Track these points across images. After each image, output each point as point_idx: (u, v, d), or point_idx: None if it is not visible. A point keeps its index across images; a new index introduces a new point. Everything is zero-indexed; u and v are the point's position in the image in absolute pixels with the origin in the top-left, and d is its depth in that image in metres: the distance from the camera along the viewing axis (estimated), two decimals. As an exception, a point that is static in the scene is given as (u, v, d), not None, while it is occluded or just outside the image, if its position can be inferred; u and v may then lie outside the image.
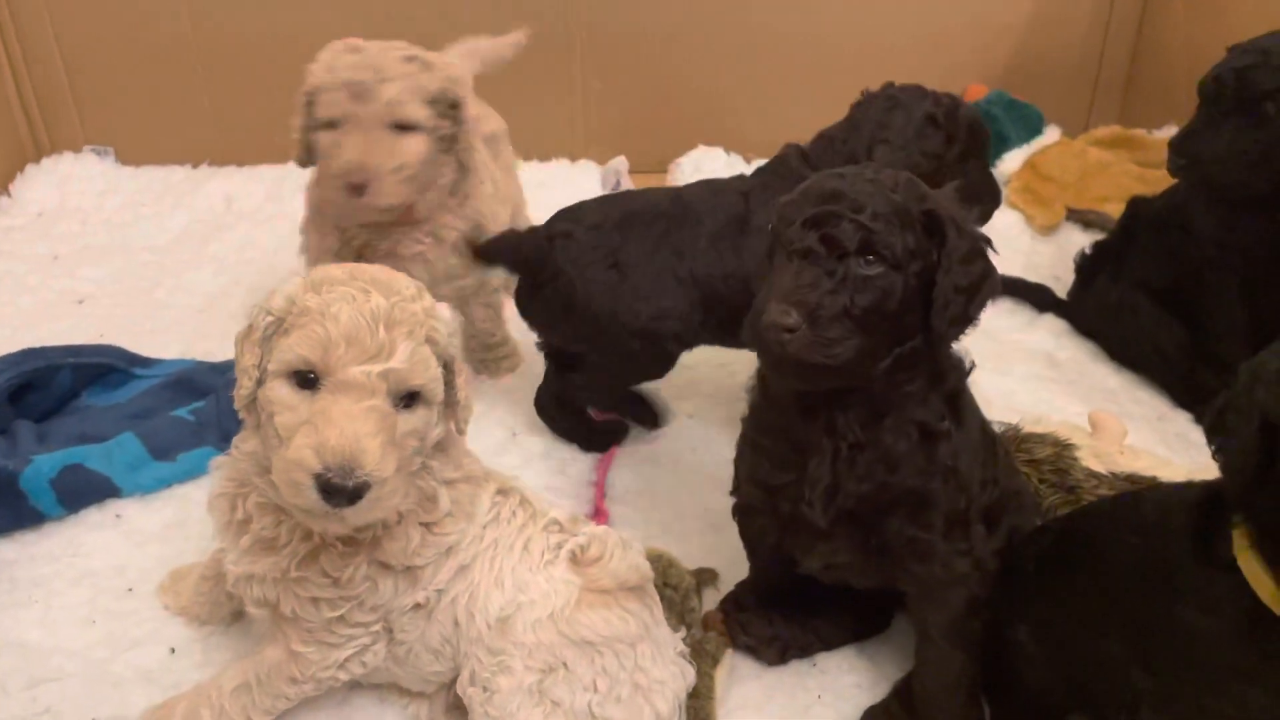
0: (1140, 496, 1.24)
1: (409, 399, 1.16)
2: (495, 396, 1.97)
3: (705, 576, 1.53)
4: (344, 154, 1.65)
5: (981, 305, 1.22)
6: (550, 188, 2.75)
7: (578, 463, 1.82)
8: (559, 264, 1.69)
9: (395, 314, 1.14)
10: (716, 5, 2.76)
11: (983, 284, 1.21)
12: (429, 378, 1.17)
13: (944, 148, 1.76)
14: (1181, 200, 1.94)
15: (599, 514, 1.71)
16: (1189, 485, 1.17)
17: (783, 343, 1.14)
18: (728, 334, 1.76)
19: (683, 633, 1.42)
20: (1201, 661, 1.04)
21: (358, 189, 1.65)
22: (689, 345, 1.78)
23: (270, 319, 1.17)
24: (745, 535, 1.46)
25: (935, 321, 1.19)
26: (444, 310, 1.79)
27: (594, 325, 1.71)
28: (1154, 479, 1.54)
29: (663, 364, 1.77)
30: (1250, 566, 1.00)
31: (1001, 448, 1.43)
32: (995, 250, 1.24)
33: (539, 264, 1.71)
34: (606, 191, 2.73)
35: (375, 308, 1.13)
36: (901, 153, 1.72)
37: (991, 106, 2.77)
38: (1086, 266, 2.17)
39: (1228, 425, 1.01)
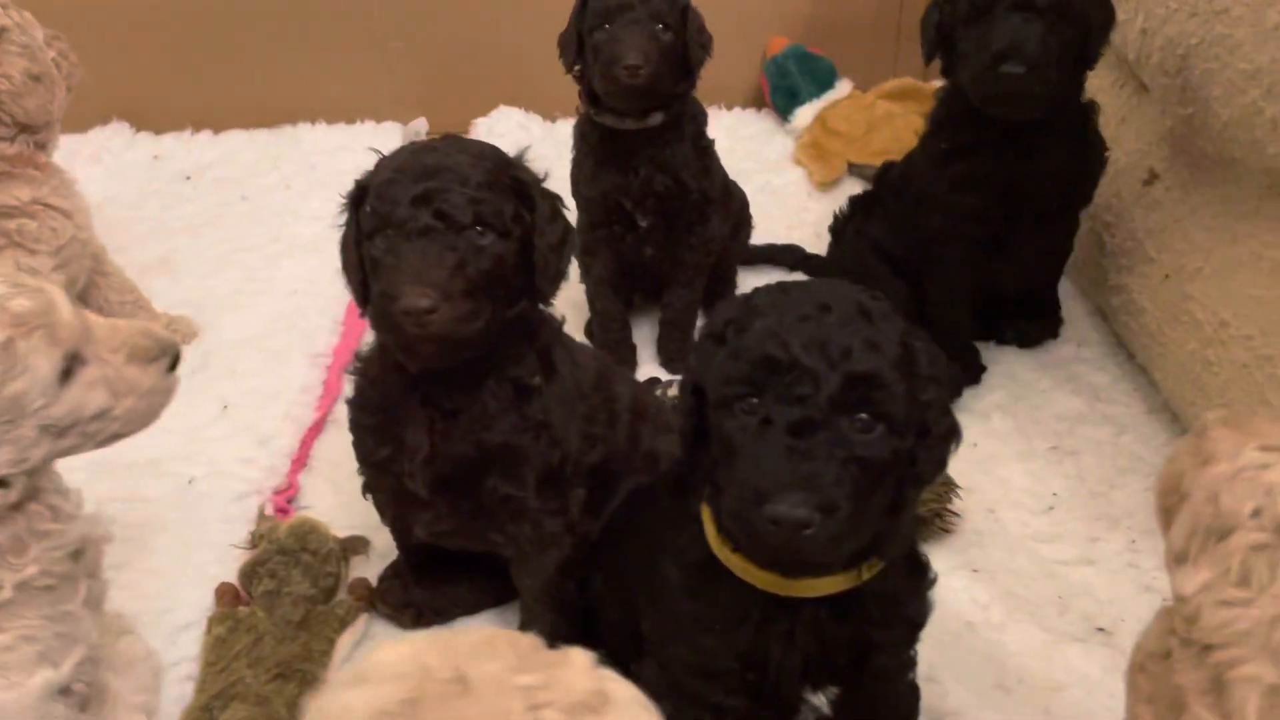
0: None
1: None
2: (201, 361, 2.00)
3: (354, 544, 1.58)
4: None
5: (569, 260, 1.30)
6: (352, 150, 2.75)
7: (283, 436, 1.85)
8: None
9: None
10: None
11: (567, 238, 1.29)
12: None
13: None
14: (918, 168, 1.92)
15: (289, 487, 1.76)
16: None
17: (424, 324, 1.16)
18: None
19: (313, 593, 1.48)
20: (671, 610, 1.09)
21: None
22: None
23: None
24: (378, 510, 1.51)
25: (540, 281, 1.27)
26: None
27: None
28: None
29: None
30: (705, 518, 1.05)
31: (631, 407, 1.47)
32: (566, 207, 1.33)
33: None
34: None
35: None
36: None
37: (786, 60, 2.77)
38: (838, 225, 2.19)
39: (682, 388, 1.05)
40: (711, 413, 0.95)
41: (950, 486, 1.65)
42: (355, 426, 1.39)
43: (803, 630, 1.01)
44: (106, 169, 2.71)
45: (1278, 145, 1.45)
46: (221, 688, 1.40)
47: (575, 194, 1.93)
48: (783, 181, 2.60)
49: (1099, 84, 2.01)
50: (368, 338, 1.42)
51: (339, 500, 1.72)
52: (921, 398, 0.94)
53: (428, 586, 1.53)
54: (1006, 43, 1.61)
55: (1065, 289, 2.10)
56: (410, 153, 1.23)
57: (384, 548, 1.61)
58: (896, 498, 0.96)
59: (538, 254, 1.26)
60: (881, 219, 2.01)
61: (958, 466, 1.71)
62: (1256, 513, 0.73)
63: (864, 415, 0.89)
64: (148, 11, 2.77)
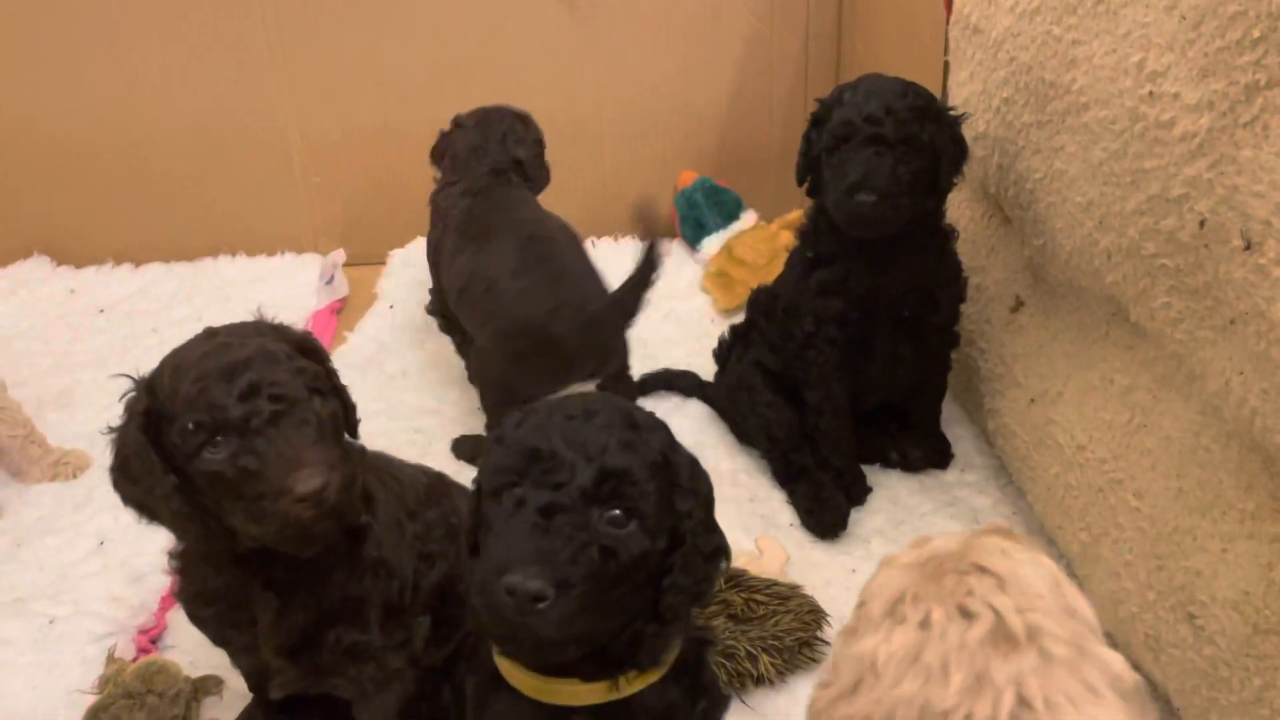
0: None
1: None
2: (85, 497, 1.99)
3: (206, 684, 1.55)
4: None
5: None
6: (269, 281, 2.83)
7: (157, 573, 1.82)
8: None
9: None
10: (421, 99, 2.84)
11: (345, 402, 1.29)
12: None
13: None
14: (788, 281, 2.01)
15: (155, 626, 1.73)
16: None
17: (322, 502, 1.12)
18: None
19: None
20: None
21: None
22: None
23: None
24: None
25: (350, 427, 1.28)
26: None
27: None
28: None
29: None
30: None
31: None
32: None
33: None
34: (323, 284, 2.80)
35: None
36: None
37: (694, 193, 2.86)
38: (722, 350, 2.24)
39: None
40: (484, 506, 0.99)
41: (819, 615, 1.64)
42: (194, 620, 1.36)
43: None
44: (21, 302, 2.74)
45: (1113, 274, 1.50)
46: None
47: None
48: (687, 309, 2.65)
49: (970, 214, 2.08)
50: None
51: (205, 639, 1.68)
52: (679, 506, 0.99)
53: (281, 729, 1.50)
54: (860, 175, 1.73)
55: (953, 413, 2.14)
56: (199, 356, 1.16)
57: (241, 688, 1.57)
58: (657, 606, 0.99)
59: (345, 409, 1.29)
60: (758, 340, 2.08)
61: (833, 594, 1.73)
62: (859, 605, 0.78)
63: (616, 512, 0.94)
64: (71, 145, 2.85)
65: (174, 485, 1.15)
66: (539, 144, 2.30)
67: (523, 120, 2.29)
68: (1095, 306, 1.65)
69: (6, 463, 2.07)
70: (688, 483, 1.00)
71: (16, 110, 2.80)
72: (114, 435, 1.19)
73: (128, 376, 1.21)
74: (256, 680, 1.47)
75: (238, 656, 1.42)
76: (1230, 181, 1.20)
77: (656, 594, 0.99)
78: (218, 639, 1.36)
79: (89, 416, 2.26)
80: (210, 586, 1.29)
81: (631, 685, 1.01)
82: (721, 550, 1.03)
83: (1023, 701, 0.64)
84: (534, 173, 2.25)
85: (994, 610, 0.69)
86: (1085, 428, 1.64)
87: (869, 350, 1.91)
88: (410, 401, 2.33)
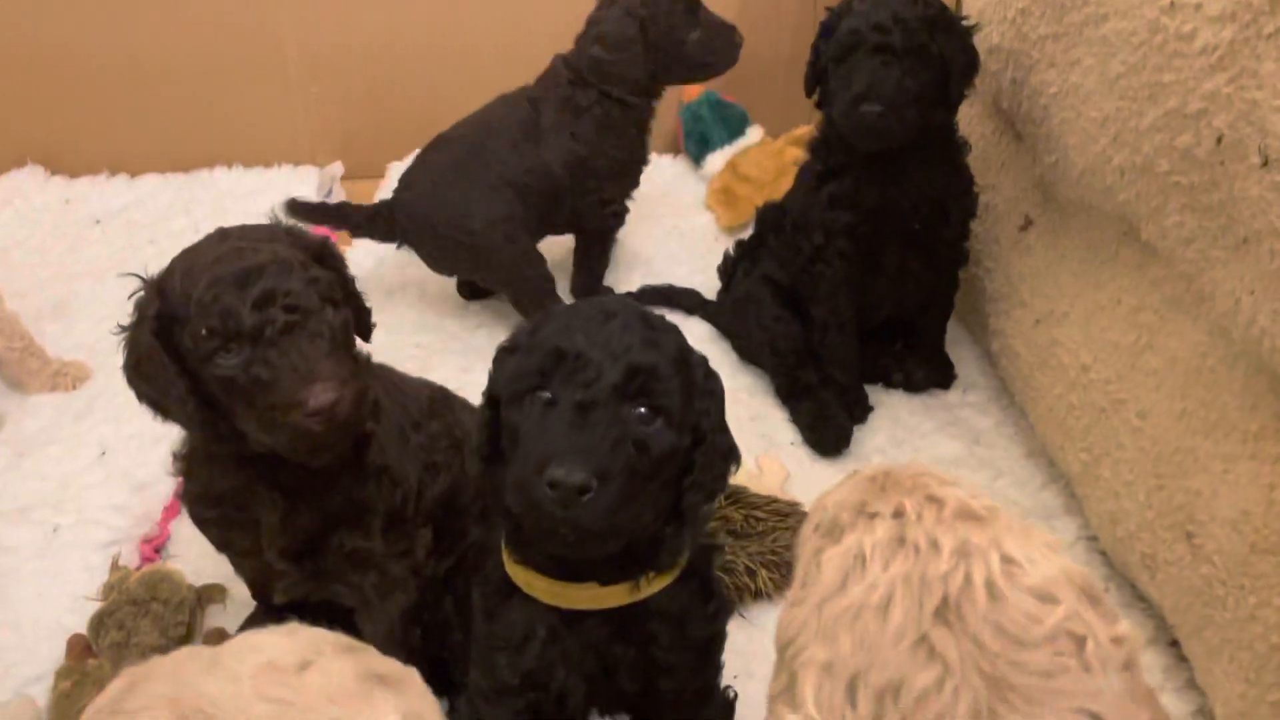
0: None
1: None
2: (86, 407, 1.99)
3: (210, 593, 1.57)
4: None
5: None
6: (266, 194, 2.76)
7: (160, 484, 1.83)
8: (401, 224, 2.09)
9: None
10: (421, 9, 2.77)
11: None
12: None
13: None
14: (797, 196, 1.99)
15: (159, 535, 1.74)
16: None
17: (333, 416, 1.13)
18: (546, 221, 2.15)
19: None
20: (475, 634, 1.13)
21: None
22: (531, 237, 2.13)
23: None
24: (238, 574, 1.51)
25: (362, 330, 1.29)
26: None
27: (457, 252, 2.09)
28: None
29: (527, 259, 2.10)
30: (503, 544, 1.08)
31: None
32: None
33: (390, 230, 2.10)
34: (321, 197, 2.76)
35: None
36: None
37: (699, 107, 2.80)
38: (727, 266, 2.22)
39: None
40: (504, 413, 1.00)
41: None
42: (198, 522, 1.37)
43: (585, 650, 1.02)
44: (16, 212, 2.70)
45: (1126, 192, 1.47)
46: (66, 747, 1.37)
47: None
48: (690, 226, 2.62)
49: (981, 130, 2.04)
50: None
51: (208, 548, 1.68)
52: (696, 405, 1.00)
53: (284, 636, 1.51)
54: (865, 85, 1.70)
55: (957, 334, 2.12)
56: (212, 260, 1.15)
57: (244, 597, 1.59)
58: (678, 504, 1.02)
59: (358, 313, 1.29)
60: (767, 255, 2.06)
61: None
62: (816, 526, 0.81)
63: (643, 408, 0.96)
64: (65, 55, 2.78)
65: (187, 388, 1.16)
66: None
67: None
68: (1106, 226, 1.63)
69: (6, 374, 2.07)
70: (703, 382, 1.02)
71: (9, 18, 2.73)
72: (125, 335, 1.19)
73: (136, 276, 1.20)
74: (260, 586, 1.48)
75: (240, 561, 1.43)
76: (1250, 96, 1.17)
77: (677, 494, 1.02)
78: (220, 542, 1.37)
79: (87, 328, 2.25)
80: (216, 488, 1.29)
81: (651, 586, 1.03)
82: (734, 451, 1.06)
83: (1006, 559, 0.69)
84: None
85: (955, 497, 0.75)
86: (1090, 348, 1.63)
87: (878, 264, 1.89)
88: (410, 318, 2.31)
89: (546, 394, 0.96)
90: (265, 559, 1.32)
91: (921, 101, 1.71)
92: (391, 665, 0.73)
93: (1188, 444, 1.37)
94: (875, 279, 1.91)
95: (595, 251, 2.30)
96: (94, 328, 2.24)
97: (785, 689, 0.73)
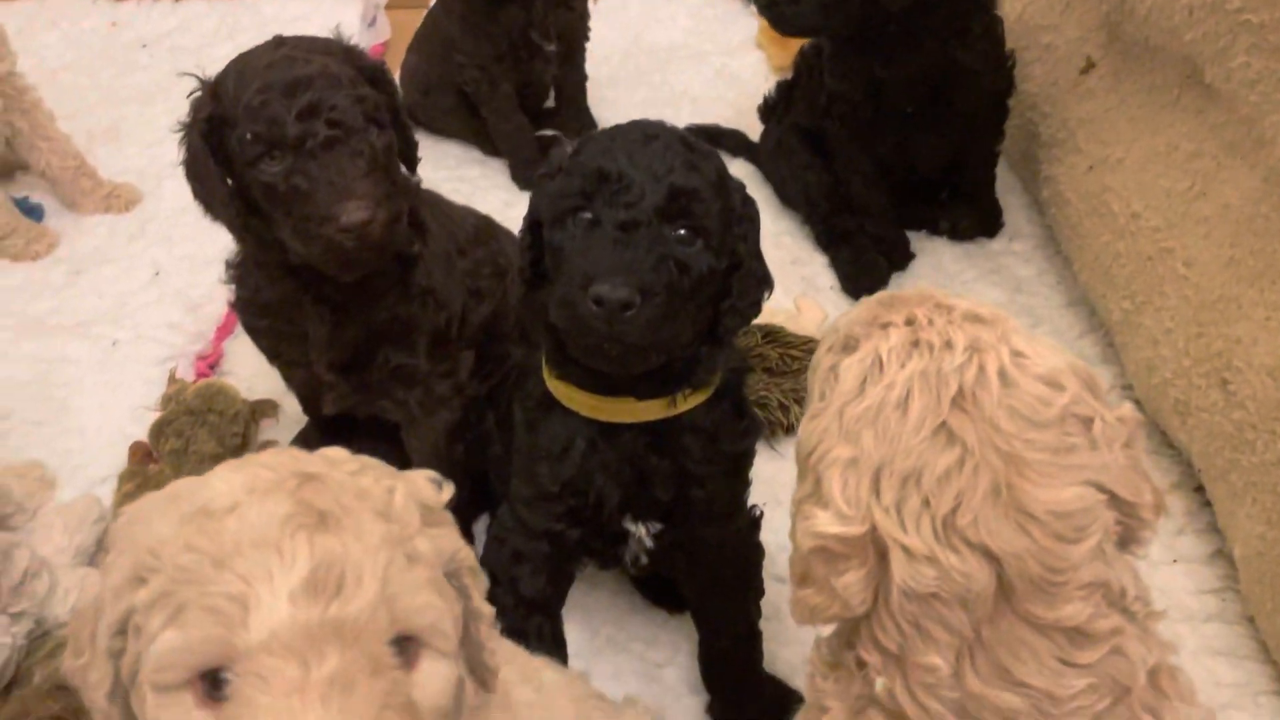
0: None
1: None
2: (139, 229, 2.03)
3: (263, 408, 1.63)
4: None
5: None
6: (310, 20, 2.73)
7: (213, 304, 1.88)
8: None
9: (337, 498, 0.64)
10: None
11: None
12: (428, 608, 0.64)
13: None
14: (821, 48, 1.93)
15: (213, 353, 1.80)
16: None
17: (365, 235, 1.15)
18: None
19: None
20: (517, 447, 1.16)
21: None
22: None
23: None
24: (289, 387, 1.57)
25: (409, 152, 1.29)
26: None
27: None
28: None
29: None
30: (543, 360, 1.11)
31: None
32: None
33: None
34: (364, 26, 2.73)
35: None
36: None
37: (753, -61, 2.69)
38: (766, 109, 2.18)
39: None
40: (547, 235, 1.02)
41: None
42: (249, 330, 1.42)
43: (622, 460, 1.06)
44: (63, 35, 2.70)
45: (1193, 31, 1.42)
46: (131, 541, 1.45)
47: None
48: (739, 65, 2.56)
49: (1047, -32, 1.95)
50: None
51: (260, 366, 1.74)
52: (735, 230, 1.02)
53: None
54: None
55: (1007, 182, 2.08)
56: (264, 66, 1.16)
57: (296, 412, 1.65)
58: (714, 326, 1.04)
59: (405, 141, 1.28)
60: (800, 99, 2.02)
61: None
62: (830, 347, 0.83)
63: (684, 230, 0.97)
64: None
65: (231, 191, 1.19)
66: None
67: None
68: (1169, 68, 1.57)
69: (60, 193, 2.11)
70: (741, 208, 1.03)
71: None
72: (182, 132, 1.22)
73: (193, 75, 1.23)
74: (310, 400, 1.53)
75: (290, 373, 1.47)
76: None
77: (713, 316, 1.04)
78: (271, 352, 1.42)
79: (137, 152, 2.27)
80: (265, 298, 1.33)
81: (686, 402, 1.06)
82: (768, 278, 1.07)
83: (1015, 352, 0.73)
84: None
85: (963, 304, 0.79)
86: (1142, 195, 1.60)
87: (881, 133, 1.86)
88: (454, 151, 2.31)
89: (589, 214, 0.97)
90: (314, 370, 1.37)
91: None
92: None
93: (1232, 292, 1.36)
94: (883, 143, 1.88)
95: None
96: (143, 152, 2.26)
97: (811, 491, 0.76)
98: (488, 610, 0.72)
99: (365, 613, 0.59)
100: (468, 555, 0.71)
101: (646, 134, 0.99)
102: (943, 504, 0.69)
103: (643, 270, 0.93)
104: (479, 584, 0.71)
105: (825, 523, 0.72)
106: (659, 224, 0.96)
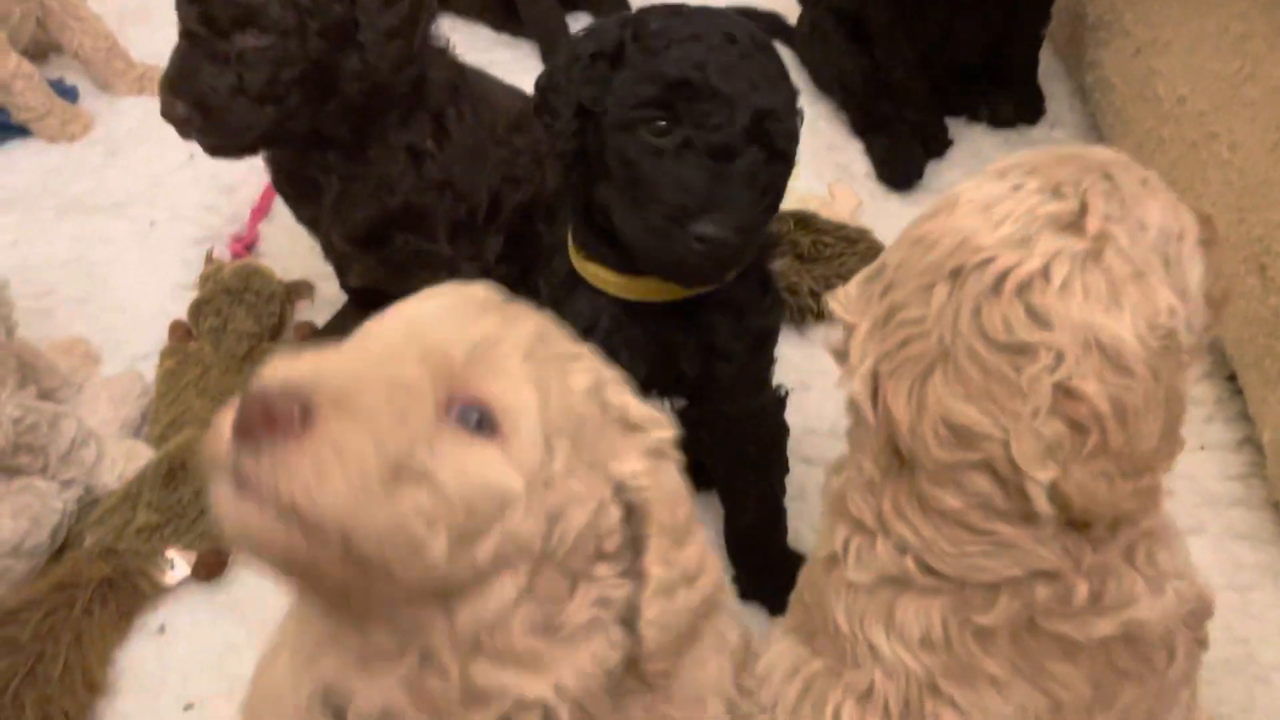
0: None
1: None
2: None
3: (299, 289, 1.65)
4: None
5: (424, 37, 1.25)
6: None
7: (247, 187, 1.89)
8: None
9: None
10: None
11: (418, 16, 1.24)
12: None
13: None
14: None
15: (248, 235, 1.82)
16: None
17: (188, 136, 1.23)
18: None
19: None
20: None
21: None
22: None
23: None
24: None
25: (375, 74, 1.23)
26: None
27: None
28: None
29: None
30: (568, 237, 1.10)
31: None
32: None
33: None
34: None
35: None
36: None
37: None
38: (805, -9, 2.12)
39: (550, 106, 1.02)
40: (609, 134, 0.96)
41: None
42: (276, 187, 1.43)
43: (648, 336, 1.06)
44: (92, -86, 2.65)
45: (1253, -97, 1.36)
46: (173, 416, 1.50)
47: None
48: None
49: None
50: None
51: (295, 249, 1.77)
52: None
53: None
54: None
55: (1050, 68, 2.03)
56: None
57: (331, 295, 1.67)
58: None
59: (369, 49, 1.20)
60: None
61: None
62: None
63: (764, 148, 0.93)
64: None
65: None
66: None
67: None
68: (1224, -56, 1.51)
69: (93, 74, 2.11)
70: (800, 115, 0.99)
71: None
72: None
73: None
74: (339, 269, 1.55)
75: (319, 239, 1.48)
76: None
77: None
78: (299, 215, 1.43)
79: (168, 35, 2.23)
80: (282, 163, 1.36)
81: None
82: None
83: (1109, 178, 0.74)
84: None
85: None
86: (1189, 79, 1.55)
87: (922, 19, 1.80)
88: (485, 34, 2.28)
89: (672, 133, 0.92)
90: (331, 239, 1.39)
91: None
92: None
93: (1275, 176, 1.33)
94: (927, 27, 1.81)
95: None
96: (174, 35, 2.24)
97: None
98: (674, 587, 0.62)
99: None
100: (663, 500, 0.65)
101: (726, 35, 0.92)
102: (890, 340, 0.75)
103: (744, 208, 0.91)
104: (670, 548, 0.64)
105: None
106: (748, 149, 0.92)
